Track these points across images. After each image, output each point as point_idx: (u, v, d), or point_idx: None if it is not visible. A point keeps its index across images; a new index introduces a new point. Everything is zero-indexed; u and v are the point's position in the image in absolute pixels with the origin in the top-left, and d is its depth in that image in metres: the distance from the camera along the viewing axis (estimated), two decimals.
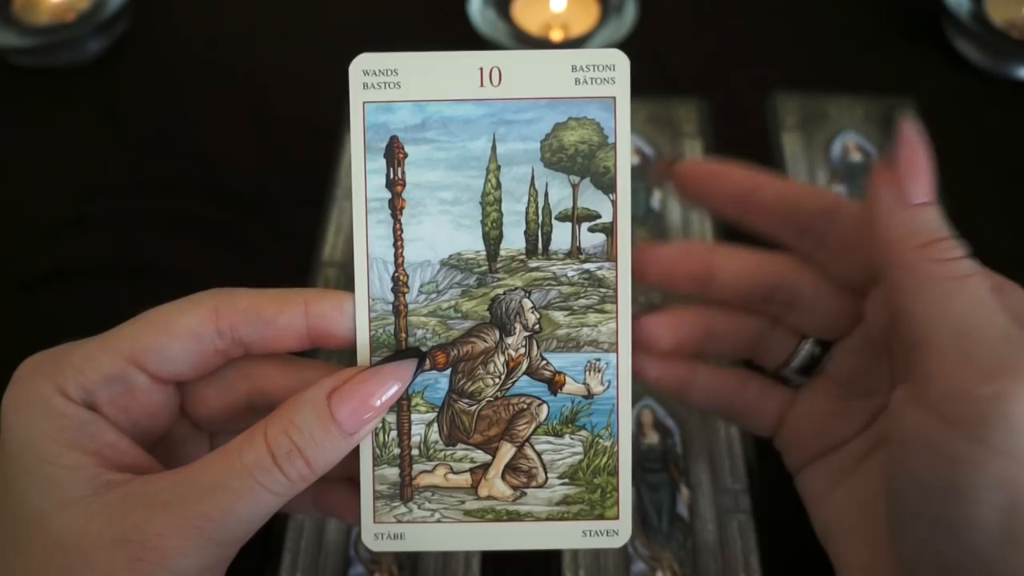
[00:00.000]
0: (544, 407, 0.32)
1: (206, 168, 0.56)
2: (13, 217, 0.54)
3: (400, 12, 0.64)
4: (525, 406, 0.32)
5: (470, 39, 0.59)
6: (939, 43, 0.61)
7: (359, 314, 0.31)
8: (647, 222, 0.53)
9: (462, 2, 0.59)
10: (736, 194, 0.32)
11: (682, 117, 0.57)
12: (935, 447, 0.27)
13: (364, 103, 0.31)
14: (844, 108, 0.58)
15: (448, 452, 0.32)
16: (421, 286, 0.31)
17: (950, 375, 0.27)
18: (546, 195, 0.31)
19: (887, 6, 0.64)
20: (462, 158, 0.31)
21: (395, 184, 0.31)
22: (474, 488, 0.32)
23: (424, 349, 0.31)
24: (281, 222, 0.53)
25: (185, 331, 0.30)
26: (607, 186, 0.31)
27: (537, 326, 0.32)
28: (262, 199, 0.54)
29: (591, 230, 0.31)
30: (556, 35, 0.59)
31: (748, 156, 0.55)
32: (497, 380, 0.32)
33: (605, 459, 0.32)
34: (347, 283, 0.50)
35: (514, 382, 0.32)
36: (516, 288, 0.31)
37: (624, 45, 0.57)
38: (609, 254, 0.31)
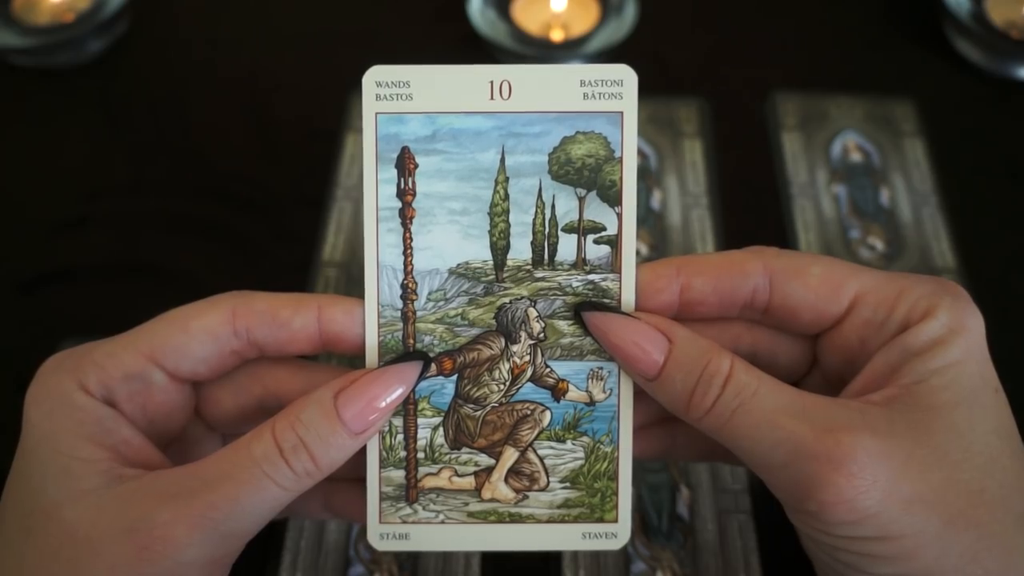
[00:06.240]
0: (547, 413, 0.32)
1: (206, 168, 0.56)
2: (13, 217, 0.54)
3: (400, 12, 0.64)
4: (529, 412, 0.32)
5: (470, 39, 0.59)
6: (939, 43, 0.61)
7: (368, 320, 0.32)
8: (647, 222, 0.53)
9: (462, 2, 0.59)
10: (668, 304, 0.32)
11: (682, 117, 0.57)
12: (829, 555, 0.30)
13: (376, 114, 0.31)
14: (844, 108, 0.58)
15: (453, 456, 0.32)
16: (429, 294, 0.32)
17: (790, 485, 0.29)
18: (553, 207, 0.31)
19: (887, 6, 0.64)
20: (471, 169, 0.31)
21: (405, 194, 0.31)
22: (478, 491, 0.33)
23: (431, 355, 0.32)
24: (281, 222, 0.53)
25: (203, 331, 0.31)
26: (613, 199, 0.31)
27: (542, 334, 0.32)
28: (262, 199, 0.54)
29: (596, 242, 0.32)
30: (556, 35, 0.59)
31: (748, 156, 0.56)
32: (502, 386, 0.32)
33: (606, 464, 0.32)
34: (347, 283, 0.50)
35: (518, 388, 0.32)
36: (522, 297, 0.32)
37: (624, 45, 0.57)
38: (613, 266, 0.32)
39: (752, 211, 0.54)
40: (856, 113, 0.58)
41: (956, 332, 0.29)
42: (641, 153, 0.55)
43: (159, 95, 0.59)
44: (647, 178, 0.54)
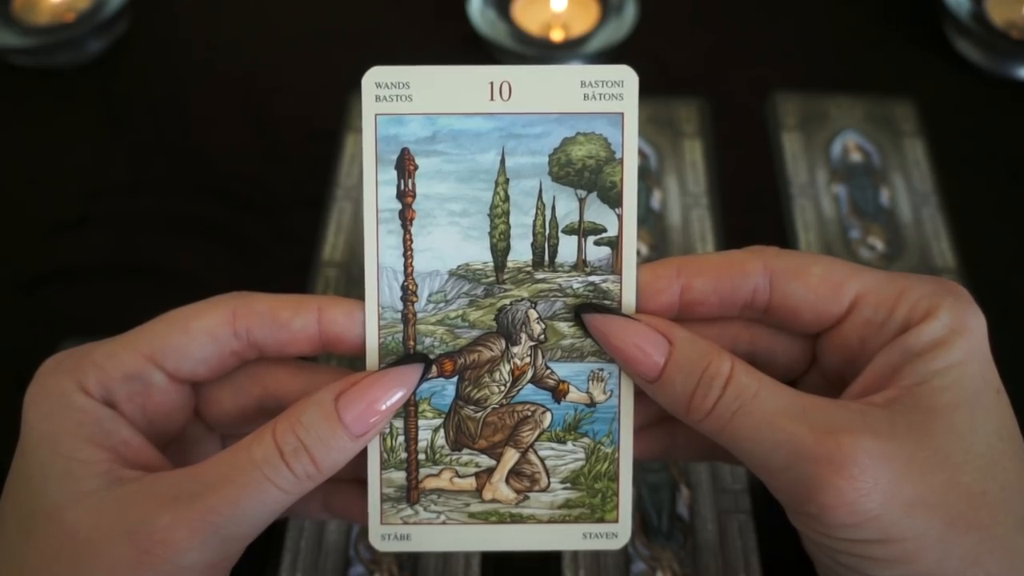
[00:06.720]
0: (548, 414, 0.32)
1: (206, 168, 0.56)
2: (13, 217, 0.54)
3: (400, 12, 0.64)
4: (529, 413, 0.32)
5: (470, 39, 0.59)
6: (939, 43, 0.61)
7: (368, 321, 0.32)
8: (647, 222, 0.53)
9: (462, 2, 0.59)
10: (668, 305, 0.32)
11: (682, 117, 0.57)
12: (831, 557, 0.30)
13: (376, 115, 0.31)
14: (844, 108, 0.58)
15: (454, 457, 0.32)
16: (430, 295, 0.32)
17: (791, 488, 0.29)
18: (553, 208, 0.31)
19: (887, 6, 0.64)
20: (471, 171, 0.31)
21: (405, 195, 0.31)
22: (479, 491, 0.33)
23: (432, 357, 0.32)
24: (281, 222, 0.53)
25: (203, 331, 0.31)
26: (613, 200, 0.31)
27: (542, 336, 0.32)
28: (262, 199, 0.54)
29: (597, 243, 0.32)
30: (556, 35, 0.59)
31: (748, 156, 0.56)
32: (503, 388, 0.32)
33: (606, 465, 0.32)
34: (347, 283, 0.50)
35: (519, 390, 0.32)
36: (522, 299, 0.32)
37: (624, 45, 0.57)
38: (614, 267, 0.32)
39: (752, 211, 0.54)
40: (856, 113, 0.58)
41: (957, 333, 0.29)
42: (641, 153, 0.55)
43: (159, 95, 0.59)
44: (647, 178, 0.54)
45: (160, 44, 0.62)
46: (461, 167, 0.31)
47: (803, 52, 0.62)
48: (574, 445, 0.32)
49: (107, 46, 0.61)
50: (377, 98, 0.31)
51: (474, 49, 0.60)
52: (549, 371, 0.32)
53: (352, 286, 0.50)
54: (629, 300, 0.31)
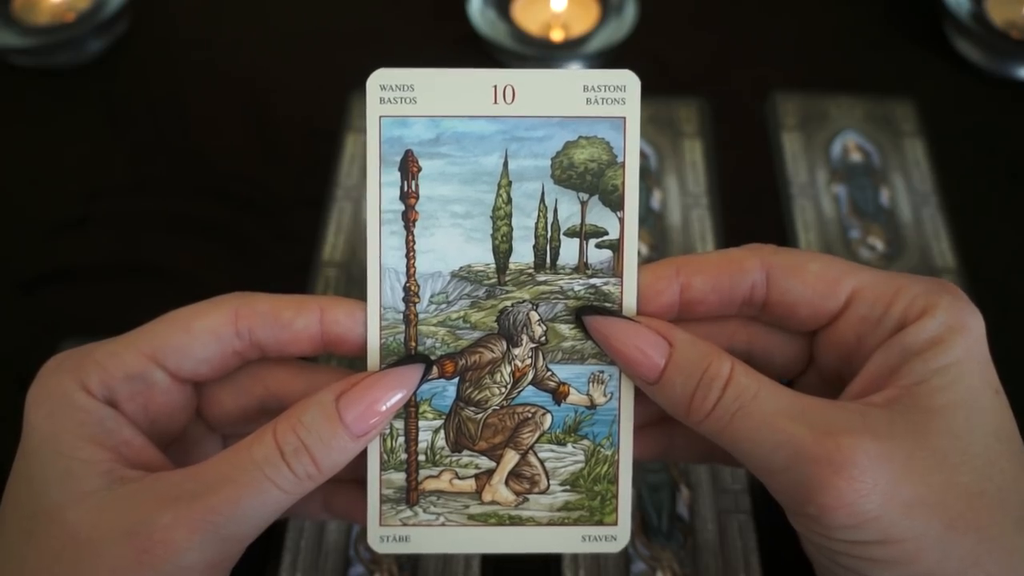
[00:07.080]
0: (548, 416, 0.32)
1: (206, 168, 0.56)
2: (13, 217, 0.54)
3: (400, 12, 0.64)
4: (530, 415, 0.32)
5: (470, 39, 0.59)
6: (939, 43, 0.61)
7: (370, 322, 0.32)
8: (647, 222, 0.53)
9: (462, 2, 0.59)
10: (669, 305, 0.32)
11: (682, 117, 0.57)
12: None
13: (380, 117, 0.31)
14: (844, 108, 0.58)
15: (454, 458, 0.32)
16: (431, 296, 0.32)
17: (790, 489, 0.29)
18: (555, 211, 0.31)
19: (887, 6, 0.64)
20: (474, 173, 0.31)
21: (408, 197, 0.31)
22: (478, 493, 0.33)
23: (433, 358, 0.32)
24: (281, 222, 0.53)
25: (205, 331, 0.31)
26: (615, 204, 0.32)
27: (543, 338, 0.32)
28: (262, 199, 0.54)
29: (598, 246, 0.32)
30: (556, 35, 0.59)
31: (748, 156, 0.56)
32: (503, 389, 0.32)
33: (606, 467, 0.32)
34: (347, 283, 0.50)
35: (520, 392, 0.32)
36: (524, 301, 0.32)
37: (624, 45, 0.57)
38: (615, 270, 0.32)
39: (752, 211, 0.54)
40: (856, 113, 0.58)
41: (956, 331, 0.29)
42: (641, 153, 0.55)
43: (159, 95, 0.59)
44: (647, 178, 0.55)
45: (160, 44, 0.62)
46: (464, 169, 0.31)
47: (803, 52, 0.62)
48: (574, 447, 0.32)
49: (107, 46, 0.61)
50: (381, 100, 0.31)
51: (474, 49, 0.60)
52: (550, 373, 0.32)
53: (352, 286, 0.50)
54: (630, 302, 0.32)
